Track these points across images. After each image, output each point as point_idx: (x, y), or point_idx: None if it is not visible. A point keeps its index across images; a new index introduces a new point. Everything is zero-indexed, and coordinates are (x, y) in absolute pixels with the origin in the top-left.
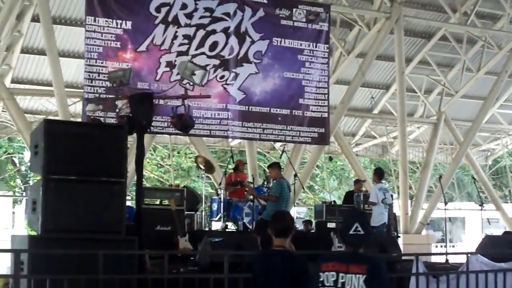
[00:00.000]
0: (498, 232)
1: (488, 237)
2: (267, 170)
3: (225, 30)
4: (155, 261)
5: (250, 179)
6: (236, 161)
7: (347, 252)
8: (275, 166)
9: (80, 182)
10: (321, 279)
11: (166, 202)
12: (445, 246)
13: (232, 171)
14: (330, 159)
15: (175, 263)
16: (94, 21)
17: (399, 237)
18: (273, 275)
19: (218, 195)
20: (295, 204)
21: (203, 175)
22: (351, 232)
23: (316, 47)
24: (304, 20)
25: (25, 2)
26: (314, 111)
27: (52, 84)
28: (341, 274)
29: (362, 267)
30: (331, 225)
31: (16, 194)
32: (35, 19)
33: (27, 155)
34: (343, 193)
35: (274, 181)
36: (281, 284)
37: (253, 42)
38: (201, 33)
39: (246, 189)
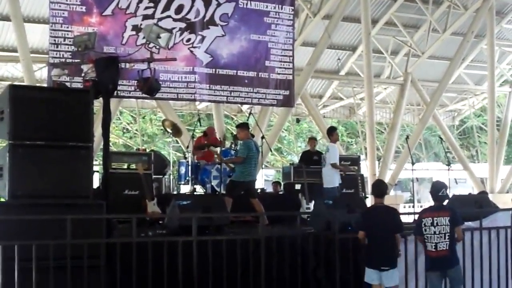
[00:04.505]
0: (466, 192)
1: (456, 196)
2: (236, 130)
3: None
4: (124, 225)
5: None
6: (207, 129)
7: (436, 205)
8: (243, 126)
9: (46, 147)
10: (423, 223)
11: (133, 166)
12: (413, 206)
13: (202, 134)
14: (298, 121)
15: (143, 227)
16: None
17: (367, 198)
18: (380, 223)
19: (186, 158)
20: (263, 166)
21: (171, 139)
22: (439, 194)
23: (281, 9)
24: None
25: None
26: (279, 73)
27: (18, 50)
28: (434, 218)
29: (446, 212)
30: (299, 186)
31: None
32: None
33: None
34: None
35: (241, 142)
36: (386, 229)
37: (219, 4)
38: None
39: (215, 155)
